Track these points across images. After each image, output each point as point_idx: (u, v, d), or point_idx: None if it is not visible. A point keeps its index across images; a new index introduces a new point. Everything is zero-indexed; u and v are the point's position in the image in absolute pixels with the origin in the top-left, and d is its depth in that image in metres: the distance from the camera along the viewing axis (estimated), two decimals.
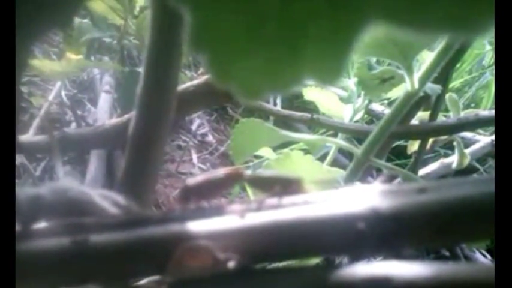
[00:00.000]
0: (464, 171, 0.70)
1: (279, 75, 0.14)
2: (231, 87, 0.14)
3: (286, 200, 0.18)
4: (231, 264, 0.17)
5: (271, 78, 0.14)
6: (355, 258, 0.17)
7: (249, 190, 0.45)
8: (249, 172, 0.22)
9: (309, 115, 0.64)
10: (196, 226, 0.17)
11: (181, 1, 0.13)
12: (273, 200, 0.18)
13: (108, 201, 0.22)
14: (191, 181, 0.21)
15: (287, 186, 0.20)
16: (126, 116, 0.60)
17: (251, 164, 0.84)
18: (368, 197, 0.17)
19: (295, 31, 0.13)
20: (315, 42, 0.14)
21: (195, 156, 1.03)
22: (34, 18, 0.13)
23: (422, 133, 0.60)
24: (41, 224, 0.20)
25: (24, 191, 0.20)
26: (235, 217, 0.17)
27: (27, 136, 0.69)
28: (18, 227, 0.19)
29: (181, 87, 0.48)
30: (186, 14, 0.13)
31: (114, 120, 0.64)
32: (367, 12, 0.13)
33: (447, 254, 0.81)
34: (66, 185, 0.21)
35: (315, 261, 0.26)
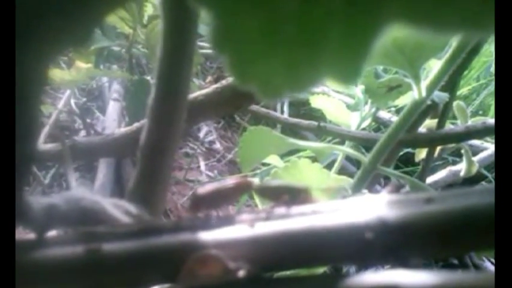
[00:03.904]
0: (472, 179, 0.70)
1: (298, 75, 0.15)
2: (252, 87, 0.15)
3: (295, 209, 0.18)
4: (241, 273, 0.17)
5: (291, 79, 0.15)
6: (363, 267, 0.18)
7: (257, 198, 0.45)
8: (257, 181, 0.23)
9: (316, 123, 0.64)
10: (207, 235, 0.18)
11: (203, 5, 0.13)
12: (282, 210, 0.19)
13: (120, 210, 0.22)
14: (201, 190, 0.21)
15: (295, 195, 0.21)
16: (135, 125, 0.61)
17: (258, 171, 0.84)
18: (375, 207, 0.17)
19: (314, 33, 0.14)
20: (334, 43, 0.14)
21: (202, 164, 1.04)
22: (54, 35, 0.14)
23: (430, 141, 0.60)
24: (55, 233, 0.20)
25: (38, 200, 0.21)
26: (245, 226, 0.18)
27: (37, 144, 0.70)
28: (32, 236, 0.20)
29: (190, 96, 0.48)
30: (208, 17, 0.13)
31: (124, 129, 0.65)
32: (386, 13, 0.13)
33: (456, 262, 0.80)
34: (79, 194, 0.22)
35: (323, 269, 0.26)
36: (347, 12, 0.13)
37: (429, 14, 0.13)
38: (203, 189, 0.21)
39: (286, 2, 0.13)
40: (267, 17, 0.13)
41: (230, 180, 0.22)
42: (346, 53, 0.14)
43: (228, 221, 0.18)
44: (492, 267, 0.76)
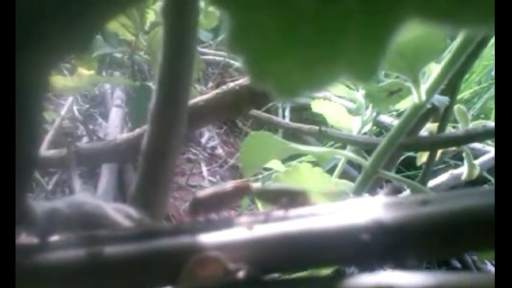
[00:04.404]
0: (474, 182, 0.70)
1: (315, 74, 0.15)
2: (269, 86, 0.15)
3: (293, 212, 0.19)
4: (241, 274, 0.17)
5: (307, 78, 0.15)
6: (362, 268, 0.18)
7: (258, 203, 0.46)
8: (256, 185, 0.23)
9: (317, 128, 0.65)
10: (207, 238, 0.18)
11: (221, 4, 0.13)
12: (280, 212, 0.19)
13: (121, 214, 0.22)
14: (201, 194, 0.22)
15: (294, 198, 0.21)
16: (137, 131, 0.61)
17: (260, 176, 0.85)
18: (372, 209, 0.17)
19: (331, 32, 0.14)
20: (351, 42, 0.14)
21: (204, 169, 1.04)
22: (56, 42, 0.14)
23: (431, 144, 0.60)
24: (57, 237, 0.20)
25: (41, 204, 0.21)
26: (244, 229, 0.18)
27: (39, 150, 0.70)
28: (35, 240, 0.20)
29: (191, 101, 0.49)
30: (226, 16, 0.13)
31: (126, 135, 0.65)
32: (402, 10, 0.13)
33: (459, 266, 0.80)
34: (82, 199, 0.22)
35: (323, 271, 0.27)
36: (364, 10, 0.13)
37: (445, 9, 0.13)
38: (203, 193, 0.22)
39: (303, 1, 0.13)
40: (284, 16, 0.14)
41: (229, 184, 0.22)
42: (363, 51, 0.14)
43: (227, 223, 0.19)
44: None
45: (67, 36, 0.14)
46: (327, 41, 0.14)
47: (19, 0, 0.13)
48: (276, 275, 0.19)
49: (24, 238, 0.21)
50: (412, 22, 0.13)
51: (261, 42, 0.14)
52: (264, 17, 0.14)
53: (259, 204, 0.46)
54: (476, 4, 0.13)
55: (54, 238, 0.20)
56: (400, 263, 0.17)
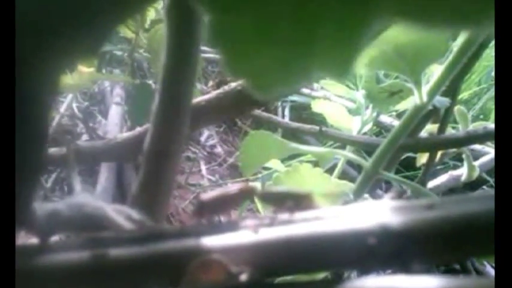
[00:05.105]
0: (473, 183, 0.70)
1: (291, 70, 0.15)
2: (246, 82, 0.15)
3: (298, 215, 0.19)
4: (243, 277, 0.17)
5: (283, 74, 0.15)
6: (366, 272, 0.18)
7: (259, 204, 0.46)
8: (260, 187, 0.23)
9: (317, 127, 0.65)
10: (211, 241, 0.18)
11: (199, 2, 0.14)
12: (285, 216, 0.19)
13: (122, 215, 0.22)
14: (204, 196, 0.22)
15: (298, 201, 0.21)
16: (137, 130, 0.61)
17: (260, 175, 0.85)
18: (378, 213, 0.17)
19: (306, 30, 0.14)
20: (326, 38, 0.14)
21: (204, 168, 1.04)
22: (67, 46, 0.14)
23: (431, 146, 0.60)
24: (58, 238, 0.20)
25: (42, 206, 0.21)
26: (249, 232, 0.18)
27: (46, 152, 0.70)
28: (36, 241, 0.20)
29: (193, 101, 0.49)
30: (204, 14, 0.14)
31: (126, 134, 0.65)
32: (378, 8, 0.13)
33: (458, 267, 0.80)
34: (82, 201, 0.22)
35: (324, 275, 0.27)
36: (339, 7, 0.13)
37: (421, 9, 0.13)
38: (207, 195, 0.22)
39: None
40: (260, 13, 0.14)
41: (233, 186, 0.22)
42: (338, 48, 0.14)
43: (232, 226, 0.18)
44: (493, 272, 0.76)
45: (78, 41, 0.14)
46: (302, 38, 0.14)
47: (30, 8, 0.13)
48: (277, 278, 0.19)
49: (24, 239, 0.21)
50: (386, 19, 0.13)
51: (238, 39, 0.14)
52: (240, 13, 0.14)
53: (259, 205, 0.46)
54: (451, 4, 0.13)
55: (55, 239, 0.20)
56: (405, 267, 0.17)
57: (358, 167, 0.85)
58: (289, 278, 0.20)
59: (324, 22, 0.14)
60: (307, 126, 0.69)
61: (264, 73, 0.15)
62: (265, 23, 0.14)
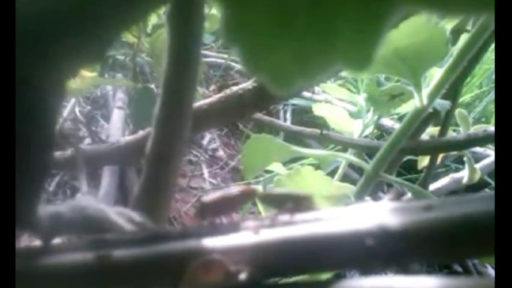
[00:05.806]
0: (475, 186, 0.70)
1: (309, 64, 0.15)
2: (264, 77, 0.15)
3: (298, 216, 0.19)
4: (242, 277, 0.17)
5: (302, 68, 0.15)
6: (365, 273, 0.18)
7: (260, 206, 0.46)
8: (261, 189, 0.23)
9: (318, 130, 0.65)
10: (213, 242, 0.18)
11: None
12: (285, 217, 0.19)
13: (123, 218, 0.23)
14: (206, 198, 0.22)
15: (298, 203, 0.21)
16: (140, 133, 0.62)
17: (261, 179, 0.85)
18: (376, 214, 0.18)
19: (324, 22, 0.14)
20: (345, 30, 0.14)
21: (205, 171, 1.04)
22: (73, 52, 0.14)
23: (432, 148, 0.60)
24: (60, 240, 0.20)
25: (44, 208, 0.21)
26: (250, 233, 0.18)
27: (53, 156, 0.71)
28: (39, 243, 0.20)
29: (195, 105, 0.49)
30: (220, 9, 0.13)
31: (128, 138, 0.65)
32: None
33: (459, 270, 0.80)
34: (84, 203, 0.22)
35: (324, 276, 0.27)
36: (356, 0, 0.13)
37: None
38: (208, 197, 0.22)
39: None
40: (277, 7, 0.14)
41: (235, 188, 0.22)
42: (357, 40, 0.14)
43: (234, 227, 0.19)
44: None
45: (84, 47, 0.14)
46: (321, 31, 0.14)
47: (36, 15, 0.13)
48: (277, 278, 0.19)
49: (26, 241, 0.21)
50: (405, 9, 0.13)
51: (254, 34, 0.14)
52: (257, 8, 0.14)
53: (261, 207, 0.46)
54: None
55: (58, 241, 0.20)
56: (404, 268, 0.17)
57: (360, 170, 0.85)
58: (289, 278, 0.20)
59: (343, 13, 0.14)
60: (308, 130, 0.69)
61: (283, 67, 0.15)
62: (282, 16, 0.14)
